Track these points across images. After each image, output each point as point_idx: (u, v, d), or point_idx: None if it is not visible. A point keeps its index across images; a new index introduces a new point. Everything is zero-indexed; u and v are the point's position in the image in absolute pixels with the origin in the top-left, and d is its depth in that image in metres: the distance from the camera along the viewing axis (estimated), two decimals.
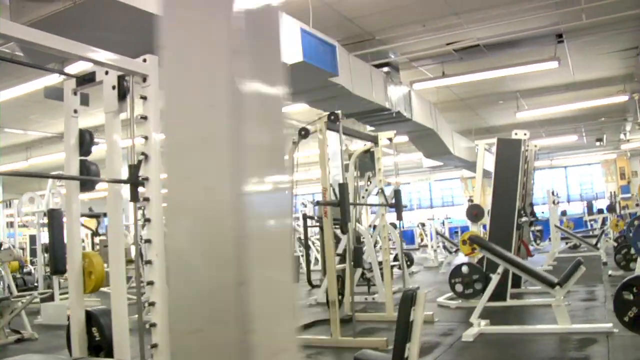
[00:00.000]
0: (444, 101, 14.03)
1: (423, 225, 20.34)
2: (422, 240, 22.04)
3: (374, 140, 7.69)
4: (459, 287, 8.20)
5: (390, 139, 7.71)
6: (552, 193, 13.19)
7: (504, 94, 14.16)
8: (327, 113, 6.29)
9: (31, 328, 7.91)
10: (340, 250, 8.58)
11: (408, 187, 28.48)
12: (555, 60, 9.97)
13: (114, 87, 4.47)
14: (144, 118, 4.35)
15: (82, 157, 4.85)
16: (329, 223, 6.37)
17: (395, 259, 14.06)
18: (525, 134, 8.24)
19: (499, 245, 7.75)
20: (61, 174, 5.25)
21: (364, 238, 9.88)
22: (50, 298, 9.68)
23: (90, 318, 4.78)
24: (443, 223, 19.62)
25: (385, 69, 10.23)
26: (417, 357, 3.96)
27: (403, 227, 8.57)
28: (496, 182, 8.25)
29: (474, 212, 8.36)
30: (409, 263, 14.38)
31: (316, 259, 16.57)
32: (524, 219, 8.13)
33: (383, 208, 7.87)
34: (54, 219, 9.40)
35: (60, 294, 10.18)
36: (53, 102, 5.00)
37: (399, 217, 7.61)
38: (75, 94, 4.86)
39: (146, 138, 4.35)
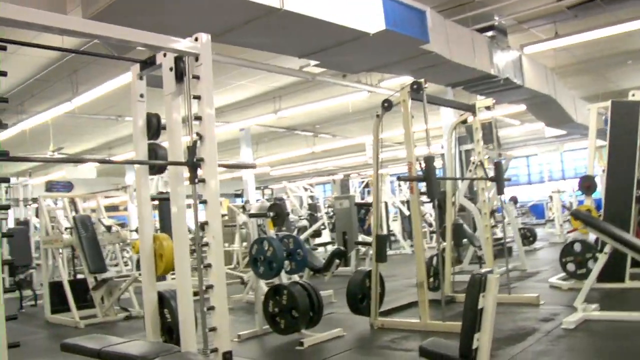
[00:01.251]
0: (564, 65, 12.91)
1: (552, 198, 19.14)
2: (552, 214, 20.80)
3: (471, 109, 7.16)
4: (570, 267, 7.53)
5: (488, 107, 7.14)
6: None
7: (632, 53, 12.77)
8: (410, 83, 5.90)
9: (140, 306, 8.22)
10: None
11: (536, 159, 26.85)
12: None
13: (171, 69, 4.41)
14: (197, 98, 4.25)
15: (151, 141, 4.88)
16: (415, 200, 5.99)
17: (525, 236, 13.34)
18: None
19: (614, 221, 7.01)
20: (129, 160, 5.33)
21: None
22: (162, 278, 10.05)
23: (163, 300, 4.82)
24: (571, 196, 18.29)
25: (490, 33, 9.52)
26: (488, 349, 3.58)
27: (504, 202, 7.95)
28: (611, 150, 7.41)
29: (586, 184, 7.57)
30: (531, 239, 13.58)
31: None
32: None
33: (483, 182, 7.35)
34: (162, 203, 9.71)
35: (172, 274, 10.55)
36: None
37: (500, 192, 7.06)
38: (140, 78, 4.87)
39: (200, 118, 4.25)
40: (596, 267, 5.83)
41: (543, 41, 10.17)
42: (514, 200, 16.26)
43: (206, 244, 4.21)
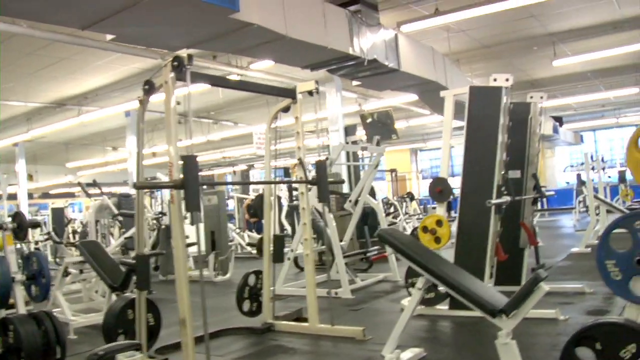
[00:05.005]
0: (464, 50, 11.67)
1: None
2: None
3: (290, 94, 5.72)
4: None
5: (310, 92, 5.72)
6: (591, 158, 10.51)
7: (537, 38, 11.56)
8: (171, 59, 4.46)
9: None
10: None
11: (457, 150, 25.72)
12: None
13: None
14: None
15: None
16: (175, 211, 4.53)
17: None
18: (507, 80, 5.93)
19: (469, 235, 5.79)
20: None
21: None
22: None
23: None
24: None
25: (353, 7, 8.08)
26: None
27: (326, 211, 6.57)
28: (467, 147, 6.09)
29: (437, 189, 6.21)
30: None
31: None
32: (504, 198, 5.91)
33: (303, 186, 5.93)
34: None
35: None
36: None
37: (322, 199, 5.67)
38: None
39: None
40: (409, 306, 4.43)
41: (420, 19, 8.80)
42: (410, 196, 14.97)
43: None
